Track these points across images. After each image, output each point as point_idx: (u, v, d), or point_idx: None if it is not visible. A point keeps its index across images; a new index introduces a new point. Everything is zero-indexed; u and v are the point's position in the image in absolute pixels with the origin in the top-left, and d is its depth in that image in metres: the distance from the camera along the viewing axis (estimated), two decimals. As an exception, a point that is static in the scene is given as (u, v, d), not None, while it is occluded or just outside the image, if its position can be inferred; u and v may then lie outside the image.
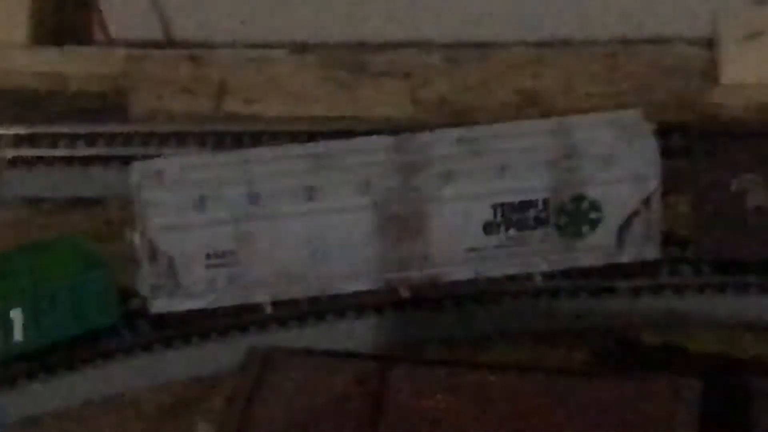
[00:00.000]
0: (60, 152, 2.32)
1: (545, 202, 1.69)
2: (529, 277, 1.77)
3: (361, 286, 1.86)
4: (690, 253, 2.07)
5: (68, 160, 2.66)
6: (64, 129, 2.24)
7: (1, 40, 2.01)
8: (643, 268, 1.71)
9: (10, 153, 3.05)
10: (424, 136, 1.85)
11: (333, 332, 1.81)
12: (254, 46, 2.23)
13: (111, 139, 2.23)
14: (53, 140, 2.38)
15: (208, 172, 1.72)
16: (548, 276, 1.81)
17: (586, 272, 1.73)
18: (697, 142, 2.27)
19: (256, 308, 1.86)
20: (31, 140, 2.32)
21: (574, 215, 1.69)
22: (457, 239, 1.61)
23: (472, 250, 1.65)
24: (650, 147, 1.55)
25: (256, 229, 1.65)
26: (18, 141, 3.41)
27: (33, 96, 2.50)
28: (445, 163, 1.70)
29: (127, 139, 2.32)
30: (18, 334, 1.44)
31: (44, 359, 1.70)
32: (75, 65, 2.35)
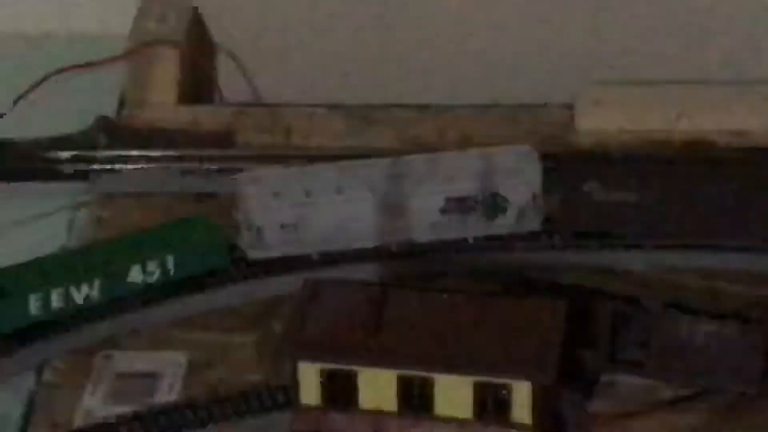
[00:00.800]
0: (191, 166, 3.47)
1: (475, 197, 2.79)
2: (465, 240, 2.73)
3: (368, 245, 2.89)
4: (556, 228, 3.27)
5: (197, 171, 4.00)
6: (195, 152, 3.41)
7: (160, 100, 3.05)
8: (531, 235, 2.72)
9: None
10: (405, 159, 3.02)
11: (352, 271, 2.88)
12: (307, 105, 3.31)
13: (222, 158, 3.50)
14: (189, 158, 3.60)
15: (281, 177, 2.82)
16: (476, 239, 2.94)
17: (498, 237, 2.79)
18: (562, 163, 3.57)
19: (307, 258, 2.94)
20: (180, 159, 3.51)
21: (492, 205, 2.68)
22: (425, 218, 2.56)
23: (433, 224, 2.61)
24: (536, 165, 2.54)
25: (308, 211, 2.66)
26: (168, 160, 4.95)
27: (175, 133, 3.77)
28: (417, 174, 2.77)
29: (232, 158, 3.58)
30: (155, 277, 2.37)
31: (179, 289, 2.83)
32: (203, 116, 3.56)
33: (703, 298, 1.46)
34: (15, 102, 1.69)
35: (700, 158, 1.76)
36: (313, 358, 1.15)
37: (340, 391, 1.16)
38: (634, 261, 1.51)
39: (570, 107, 1.73)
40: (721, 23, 2.13)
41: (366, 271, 1.49)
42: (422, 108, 1.80)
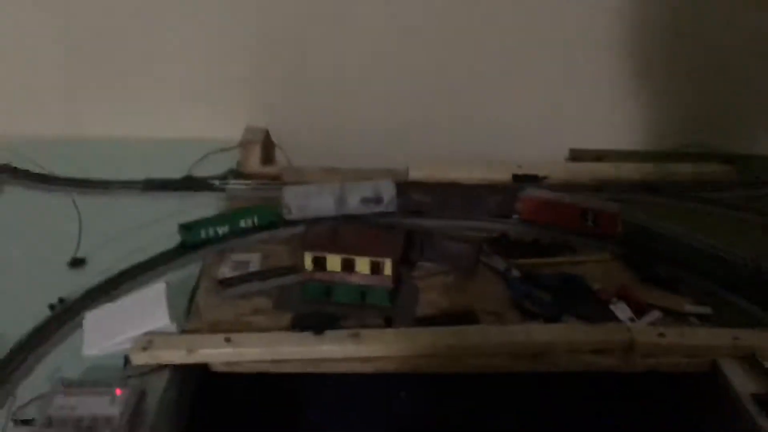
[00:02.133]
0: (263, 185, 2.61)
1: (372, 197, 2.40)
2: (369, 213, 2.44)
3: (332, 214, 2.44)
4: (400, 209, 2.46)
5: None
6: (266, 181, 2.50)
7: (254, 162, 2.42)
8: (391, 213, 2.36)
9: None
10: (346, 184, 2.44)
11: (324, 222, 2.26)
12: (314, 166, 2.62)
13: (275, 185, 2.55)
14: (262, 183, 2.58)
15: (297, 189, 2.41)
16: (373, 214, 2.45)
17: (381, 213, 2.38)
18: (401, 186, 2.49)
19: (307, 219, 2.37)
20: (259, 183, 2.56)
21: (377, 200, 2.42)
22: (354, 205, 2.32)
23: (357, 207, 2.36)
24: (392, 186, 2.28)
25: (309, 201, 2.28)
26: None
27: (258, 174, 2.64)
28: (350, 189, 2.35)
29: (279, 184, 2.56)
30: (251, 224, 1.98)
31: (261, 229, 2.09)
32: (269, 169, 2.60)
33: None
34: (190, 169, 1.85)
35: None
36: (309, 250, 1.42)
37: (319, 264, 1.42)
38: (427, 223, 1.69)
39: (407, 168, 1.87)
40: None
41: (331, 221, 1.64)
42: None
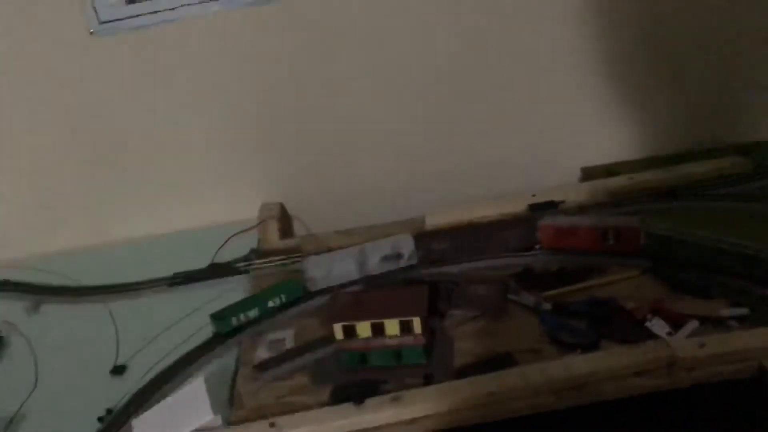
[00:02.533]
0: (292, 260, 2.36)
1: (391, 254, 2.31)
2: (390, 271, 2.31)
3: (355, 278, 2.37)
4: (421, 261, 2.04)
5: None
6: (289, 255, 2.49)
7: (272, 239, 2.47)
8: (412, 266, 2.18)
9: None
10: (366, 245, 2.32)
11: (349, 287, 1.96)
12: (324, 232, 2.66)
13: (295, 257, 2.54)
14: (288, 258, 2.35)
15: (319, 258, 2.34)
16: (394, 270, 2.29)
17: (402, 268, 2.22)
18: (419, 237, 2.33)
19: (333, 287, 2.24)
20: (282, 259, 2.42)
21: (397, 256, 2.28)
22: (375, 264, 2.24)
23: (378, 266, 2.28)
24: (411, 240, 2.17)
25: (332, 269, 2.23)
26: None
27: (279, 250, 2.54)
28: (370, 248, 2.27)
29: (300, 256, 2.52)
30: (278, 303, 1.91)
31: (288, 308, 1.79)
32: (289, 243, 2.46)
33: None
34: (216, 253, 1.87)
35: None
36: (337, 321, 1.43)
37: (350, 333, 1.44)
38: (450, 269, 1.69)
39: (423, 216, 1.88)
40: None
41: (355, 288, 1.67)
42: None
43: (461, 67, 1.99)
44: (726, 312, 1.43)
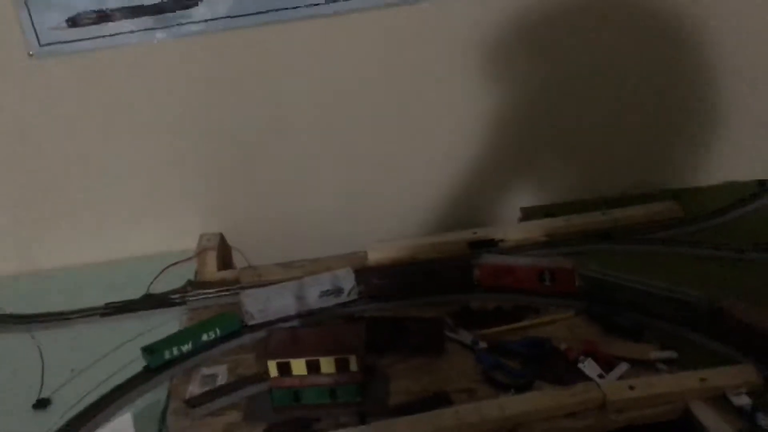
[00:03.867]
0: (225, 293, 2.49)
1: (332, 289, 2.22)
2: (328, 306, 2.20)
3: (292, 313, 2.24)
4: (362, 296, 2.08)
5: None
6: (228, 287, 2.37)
7: (211, 270, 2.19)
8: (352, 301, 2.01)
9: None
10: (305, 279, 1.97)
11: (285, 323, 1.75)
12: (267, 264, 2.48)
13: (233, 289, 2.38)
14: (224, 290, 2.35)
15: (257, 292, 2.22)
16: (333, 305, 2.08)
17: (342, 304, 1.91)
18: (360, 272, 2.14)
19: (269, 322, 1.83)
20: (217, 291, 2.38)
21: (337, 290, 2.19)
22: (314, 299, 2.13)
23: (317, 300, 2.12)
24: (351, 275, 2.09)
25: (269, 304, 2.01)
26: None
27: (216, 282, 2.41)
28: (309, 283, 2.08)
29: (238, 288, 2.22)
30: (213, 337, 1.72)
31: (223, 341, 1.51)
32: (227, 275, 2.24)
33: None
34: (151, 283, 1.86)
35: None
36: (272, 357, 1.42)
37: (284, 370, 1.42)
38: (390, 306, 1.70)
39: (365, 251, 1.88)
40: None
41: (292, 322, 1.67)
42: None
43: (407, 107, 2.01)
44: (655, 355, 1.47)
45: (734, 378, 1.34)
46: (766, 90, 2.03)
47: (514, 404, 1.38)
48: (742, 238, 1.81)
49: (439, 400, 1.43)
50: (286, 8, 1.88)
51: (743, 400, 1.30)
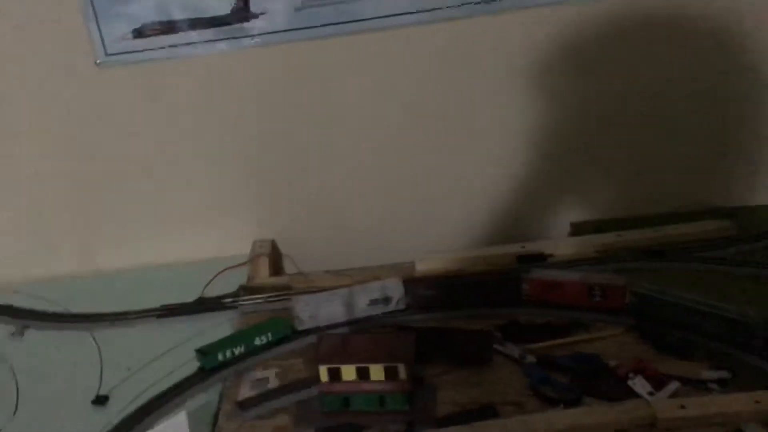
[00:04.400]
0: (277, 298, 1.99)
1: (380, 297, 2.17)
2: (378, 314, 2.19)
3: (342, 320, 2.20)
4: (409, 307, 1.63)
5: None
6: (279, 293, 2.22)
7: (263, 275, 2.24)
8: (401, 311, 1.93)
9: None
10: (354, 288, 2.01)
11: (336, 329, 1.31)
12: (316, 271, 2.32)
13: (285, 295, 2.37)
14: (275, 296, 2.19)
15: (308, 298, 2.19)
16: (382, 314, 2.07)
17: (389, 312, 1.98)
18: (409, 282, 1.53)
19: (318, 327, 1.62)
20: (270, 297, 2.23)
21: (386, 299, 2.14)
22: (363, 307, 2.12)
23: (366, 309, 2.12)
24: (401, 285, 2.08)
25: (319, 311, 2.10)
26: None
27: (269, 287, 2.27)
28: (358, 291, 2.16)
29: (289, 294, 2.35)
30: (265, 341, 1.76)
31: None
32: (279, 281, 2.22)
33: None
34: (205, 287, 1.88)
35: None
36: (323, 363, 1.44)
37: (334, 375, 1.43)
38: (438, 317, 1.71)
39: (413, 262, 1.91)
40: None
41: (342, 329, 1.69)
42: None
43: (456, 120, 2.01)
44: (707, 374, 1.45)
45: (789, 400, 1.32)
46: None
47: (562, 419, 1.37)
48: (798, 259, 1.78)
49: (486, 412, 1.43)
50: (344, 22, 1.91)
51: (798, 424, 1.27)
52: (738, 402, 1.34)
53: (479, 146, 2.05)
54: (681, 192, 2.10)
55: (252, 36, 1.92)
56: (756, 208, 2.06)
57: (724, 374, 1.44)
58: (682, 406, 1.35)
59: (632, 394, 1.42)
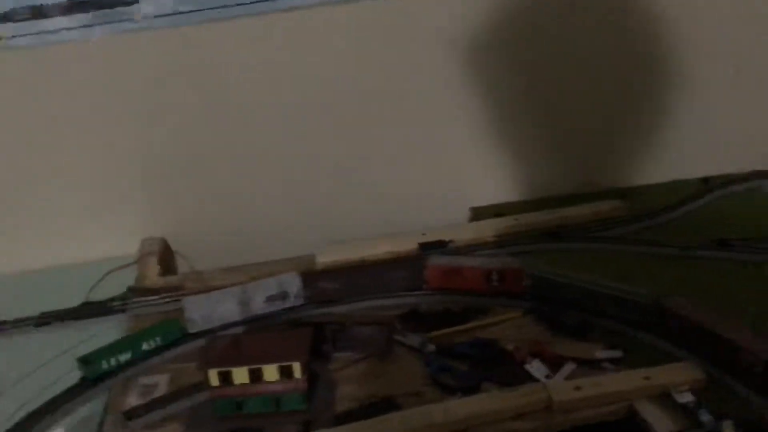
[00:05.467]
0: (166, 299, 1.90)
1: (278, 293, 2.11)
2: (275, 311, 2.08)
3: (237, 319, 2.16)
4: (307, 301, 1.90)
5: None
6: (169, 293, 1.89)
7: (153, 275, 2.09)
8: (298, 306, 1.89)
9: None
10: (248, 284, 1.82)
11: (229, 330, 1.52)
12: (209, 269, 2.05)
13: (176, 295, 1.81)
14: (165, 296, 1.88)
15: (199, 298, 2.10)
16: (280, 311, 1.91)
17: (288, 308, 1.95)
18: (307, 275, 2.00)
19: (211, 329, 1.81)
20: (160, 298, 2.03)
21: (283, 295, 2.10)
22: (261, 306, 2.02)
23: (263, 306, 2.02)
24: (298, 279, 2.02)
25: (211, 310, 1.98)
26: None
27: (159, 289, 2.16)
28: (255, 287, 2.04)
29: (181, 294, 1.83)
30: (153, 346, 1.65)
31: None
32: (169, 280, 2.08)
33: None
34: (90, 291, 1.80)
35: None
36: (212, 366, 1.38)
37: (226, 379, 1.37)
38: (338, 310, 1.68)
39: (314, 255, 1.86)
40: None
41: (238, 329, 1.64)
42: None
43: (354, 110, 1.98)
44: (601, 354, 1.46)
45: (678, 376, 1.34)
46: (709, 92, 2.05)
47: (460, 407, 1.35)
48: (687, 236, 1.82)
49: (386, 405, 1.40)
50: (235, 5, 1.81)
51: (687, 398, 1.29)
52: (628, 379, 1.36)
53: (380, 136, 2.01)
54: (576, 174, 2.13)
55: (134, 20, 1.81)
56: (647, 187, 2.11)
57: (616, 353, 1.46)
58: (577, 388, 1.36)
59: (530, 378, 1.42)
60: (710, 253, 1.75)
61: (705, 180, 2.09)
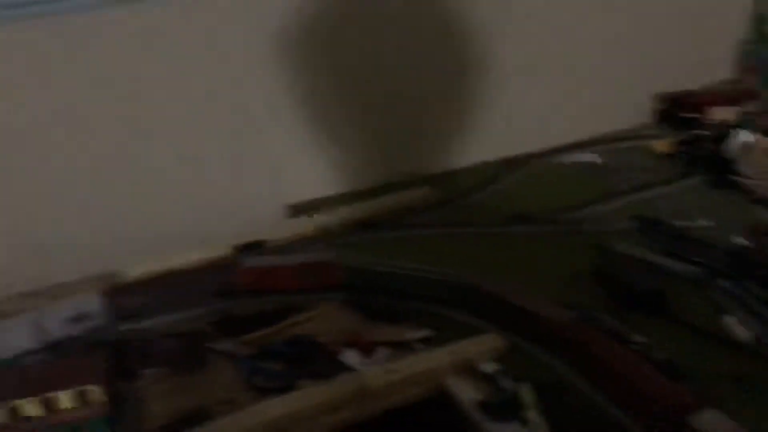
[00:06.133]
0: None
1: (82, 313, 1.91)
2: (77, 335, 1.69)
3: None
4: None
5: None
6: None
7: None
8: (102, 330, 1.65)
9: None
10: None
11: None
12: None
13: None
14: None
15: (5, 323, 1.69)
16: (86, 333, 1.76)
17: (96, 330, 1.59)
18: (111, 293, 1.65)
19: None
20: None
21: (84, 316, 1.74)
22: (58, 330, 1.42)
23: (63, 326, 1.67)
24: (98, 299, 1.55)
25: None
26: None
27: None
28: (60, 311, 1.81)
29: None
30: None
31: None
32: None
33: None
34: None
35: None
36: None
37: (16, 414, 1.26)
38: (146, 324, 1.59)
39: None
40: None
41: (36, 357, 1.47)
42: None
43: (160, 110, 1.87)
44: (410, 335, 1.48)
45: (480, 347, 1.38)
46: (509, 83, 2.15)
47: (273, 408, 1.31)
48: (490, 215, 1.91)
49: (198, 416, 1.33)
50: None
51: (491, 367, 1.34)
52: (435, 357, 1.38)
53: (186, 137, 1.92)
54: (389, 165, 2.15)
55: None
56: (452, 172, 2.19)
57: (425, 333, 1.49)
58: (388, 371, 1.36)
59: (345, 369, 1.41)
60: (510, 229, 1.84)
61: (507, 161, 2.19)
